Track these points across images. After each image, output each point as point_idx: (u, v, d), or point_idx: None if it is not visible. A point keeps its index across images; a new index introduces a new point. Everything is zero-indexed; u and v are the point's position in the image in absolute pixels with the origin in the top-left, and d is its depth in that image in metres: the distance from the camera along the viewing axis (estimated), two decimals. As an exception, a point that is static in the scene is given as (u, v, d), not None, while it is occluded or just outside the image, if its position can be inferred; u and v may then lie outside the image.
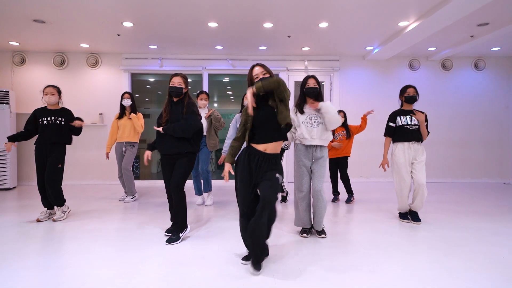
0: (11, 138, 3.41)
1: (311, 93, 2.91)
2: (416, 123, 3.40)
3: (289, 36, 5.15)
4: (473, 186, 5.95)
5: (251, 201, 2.26)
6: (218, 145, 4.34)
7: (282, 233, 3.07)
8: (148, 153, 2.93)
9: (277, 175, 2.21)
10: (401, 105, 3.58)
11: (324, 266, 2.30)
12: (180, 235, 2.88)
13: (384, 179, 6.36)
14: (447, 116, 6.35)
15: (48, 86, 3.52)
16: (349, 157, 4.54)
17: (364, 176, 6.29)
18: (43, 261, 2.39)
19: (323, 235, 2.96)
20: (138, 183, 6.00)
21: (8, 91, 5.58)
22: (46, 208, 3.58)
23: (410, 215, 3.53)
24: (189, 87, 2.96)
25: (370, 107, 6.33)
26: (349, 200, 4.48)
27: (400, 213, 3.60)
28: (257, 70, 2.29)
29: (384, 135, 3.62)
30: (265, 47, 5.76)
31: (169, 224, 3.22)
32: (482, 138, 6.45)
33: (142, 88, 7.38)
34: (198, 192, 4.41)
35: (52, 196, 3.46)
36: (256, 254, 2.21)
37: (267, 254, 2.43)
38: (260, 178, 2.20)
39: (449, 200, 4.59)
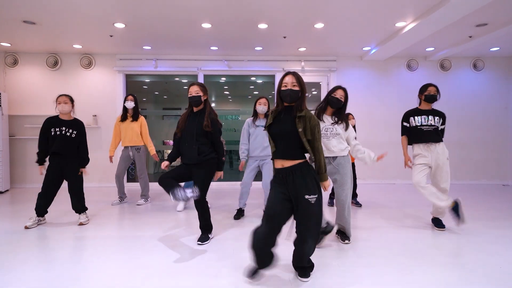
0: (40, 162, 3.44)
1: (334, 103, 2.86)
2: (432, 123, 3.26)
3: (284, 37, 5.06)
4: (471, 187, 5.89)
5: (283, 222, 2.09)
6: None
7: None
8: (166, 163, 2.99)
9: (307, 196, 2.02)
10: (419, 104, 3.44)
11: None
12: (209, 235, 3.03)
13: (381, 180, 6.30)
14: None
15: (61, 95, 3.50)
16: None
17: (362, 178, 6.21)
18: (34, 271, 2.32)
19: (347, 241, 2.93)
20: (135, 185, 5.93)
21: (0, 93, 5.50)
22: (36, 215, 3.50)
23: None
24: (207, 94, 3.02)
25: (368, 108, 6.26)
26: (357, 203, 4.45)
27: (435, 218, 3.40)
28: (288, 79, 2.12)
29: (402, 135, 3.51)
30: (261, 48, 5.67)
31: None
32: (481, 139, 6.38)
33: (138, 89, 7.29)
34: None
35: (77, 204, 3.51)
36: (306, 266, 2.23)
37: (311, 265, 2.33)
38: (297, 202, 2.05)
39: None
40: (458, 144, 6.36)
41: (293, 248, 2.18)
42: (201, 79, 6.23)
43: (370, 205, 4.52)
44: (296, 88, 2.10)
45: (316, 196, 2.04)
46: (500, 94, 6.38)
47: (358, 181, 4.89)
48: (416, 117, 3.34)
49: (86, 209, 3.62)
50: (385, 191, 5.52)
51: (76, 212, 3.56)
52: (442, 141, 3.30)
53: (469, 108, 6.37)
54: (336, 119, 2.86)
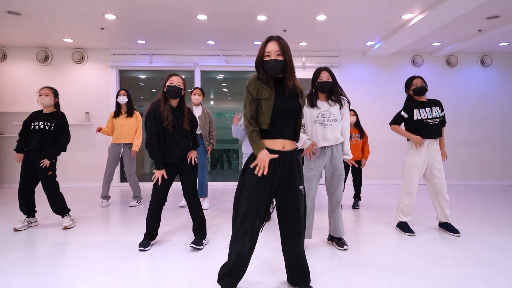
0: (19, 150, 3.21)
1: (324, 87, 2.60)
2: (437, 115, 3.02)
3: (284, 30, 4.83)
4: (479, 188, 5.65)
5: (264, 215, 1.81)
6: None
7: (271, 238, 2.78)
8: (162, 172, 2.61)
9: (301, 187, 1.85)
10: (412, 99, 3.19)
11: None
12: (203, 241, 2.75)
13: (386, 181, 6.07)
14: (451, 115, 6.03)
15: (44, 87, 3.26)
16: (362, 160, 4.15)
17: (364, 178, 5.97)
18: (21, 278, 2.10)
19: (345, 247, 2.68)
20: (128, 185, 5.71)
21: (-13, 89, 5.27)
22: (25, 216, 3.30)
23: (444, 227, 3.15)
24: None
25: (370, 105, 6.04)
26: (356, 205, 4.20)
27: (400, 222, 3.16)
28: (271, 47, 1.78)
29: (390, 124, 3.21)
30: (260, 42, 5.43)
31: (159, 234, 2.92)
32: (488, 138, 6.15)
33: (133, 85, 7.06)
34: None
35: (55, 206, 3.26)
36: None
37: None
38: (288, 192, 1.80)
39: (454, 205, 4.28)
40: (464, 143, 6.13)
41: (284, 257, 1.91)
42: (198, 75, 6.00)
43: (372, 207, 4.29)
44: (281, 58, 1.77)
45: (303, 187, 1.88)
46: (509, 92, 6.14)
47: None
48: (421, 110, 3.06)
49: (69, 210, 3.37)
50: (388, 192, 5.29)
51: (57, 214, 3.32)
52: (444, 125, 3.16)
53: (476, 106, 6.13)
54: (334, 100, 2.61)
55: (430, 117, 3.03)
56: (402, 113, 3.15)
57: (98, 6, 3.92)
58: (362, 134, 4.14)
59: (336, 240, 2.75)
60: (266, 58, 1.79)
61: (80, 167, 5.78)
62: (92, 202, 4.50)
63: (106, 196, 4.27)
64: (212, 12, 4.13)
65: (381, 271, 2.27)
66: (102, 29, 4.72)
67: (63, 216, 3.32)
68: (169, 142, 2.62)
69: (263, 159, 1.71)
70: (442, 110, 3.10)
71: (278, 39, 1.80)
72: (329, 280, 2.13)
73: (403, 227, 3.13)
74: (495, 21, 4.41)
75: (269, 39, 1.81)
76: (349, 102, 2.71)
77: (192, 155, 2.73)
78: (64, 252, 2.65)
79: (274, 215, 3.72)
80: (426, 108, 3.05)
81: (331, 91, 2.63)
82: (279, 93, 1.81)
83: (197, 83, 6.00)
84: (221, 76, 6.49)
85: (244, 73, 6.27)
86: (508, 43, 5.51)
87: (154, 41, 5.39)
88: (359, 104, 5.90)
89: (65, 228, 3.25)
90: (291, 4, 3.87)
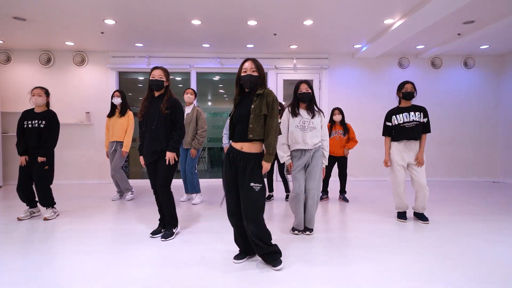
0: (22, 153, 3.42)
1: (304, 98, 2.95)
2: (414, 119, 3.32)
3: (275, 34, 5.10)
4: (462, 184, 5.93)
5: (237, 199, 2.24)
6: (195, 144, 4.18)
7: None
8: (140, 158, 2.94)
9: (252, 184, 2.14)
10: (399, 102, 3.50)
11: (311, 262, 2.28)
12: (174, 230, 2.92)
13: (373, 177, 6.34)
14: (436, 114, 6.31)
15: (36, 87, 3.47)
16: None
17: (353, 175, 6.26)
18: (24, 262, 2.35)
19: (308, 232, 3.00)
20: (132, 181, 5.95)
21: (-8, 90, 5.52)
22: (28, 207, 3.56)
23: (416, 216, 3.50)
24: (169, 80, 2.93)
25: (359, 106, 6.31)
26: (345, 198, 4.48)
27: (398, 212, 3.56)
28: (247, 65, 2.19)
29: (383, 135, 3.57)
30: (253, 45, 5.71)
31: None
32: (471, 136, 6.43)
33: (132, 87, 7.31)
34: (185, 190, 4.46)
35: (41, 198, 3.46)
36: (270, 256, 2.26)
37: (278, 252, 2.32)
38: (241, 185, 2.17)
39: (439, 200, 4.55)
40: (448, 142, 6.40)
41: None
42: (194, 77, 6.27)
43: (358, 201, 4.55)
44: (255, 74, 2.18)
45: (261, 185, 2.17)
46: (491, 92, 6.42)
47: (348, 178, 4.91)
48: (398, 116, 3.41)
49: (54, 203, 3.58)
50: (375, 188, 5.56)
51: (43, 206, 3.53)
52: (425, 135, 3.37)
53: (459, 106, 6.42)
54: (312, 113, 2.95)
55: (407, 120, 3.36)
56: (386, 123, 3.51)
57: (99, 12, 4.19)
58: (346, 130, 4.40)
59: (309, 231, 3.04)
60: (243, 74, 2.20)
61: (81, 164, 6.04)
62: (91, 198, 4.75)
63: (119, 191, 4.59)
64: (205, 18, 4.40)
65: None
66: (102, 33, 4.99)
67: (47, 208, 3.54)
68: (144, 140, 2.84)
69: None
70: (424, 116, 3.36)
71: (254, 60, 2.21)
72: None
73: (399, 214, 3.56)
74: (472, 25, 4.69)
75: (246, 59, 2.22)
76: (323, 114, 3.06)
77: (168, 157, 2.76)
78: (59, 239, 2.91)
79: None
80: (404, 113, 3.39)
81: (310, 101, 2.97)
82: (240, 103, 2.24)
83: (193, 84, 6.27)
84: (216, 78, 6.75)
85: (238, 74, 6.53)
86: (488, 46, 5.79)
87: (151, 44, 5.65)
88: (348, 104, 6.17)
89: (45, 219, 3.47)
90: (279, 9, 4.14)
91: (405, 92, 3.38)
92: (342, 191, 4.53)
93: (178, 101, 2.89)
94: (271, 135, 2.15)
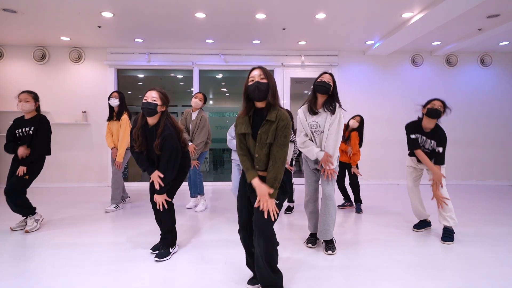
0: (14, 150, 3.12)
1: (320, 88, 2.58)
2: (430, 148, 2.96)
3: (284, 29, 4.79)
4: (479, 188, 5.62)
5: (247, 212, 1.97)
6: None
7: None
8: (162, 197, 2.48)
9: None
10: (421, 119, 3.04)
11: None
12: (170, 250, 2.54)
13: (384, 180, 6.03)
14: (451, 115, 5.96)
15: (23, 92, 3.11)
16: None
17: (364, 178, 5.95)
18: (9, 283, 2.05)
19: (329, 252, 2.59)
20: (126, 185, 5.64)
21: (-17, 88, 5.21)
22: (22, 216, 3.27)
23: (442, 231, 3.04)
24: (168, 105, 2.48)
25: (370, 105, 6.00)
26: (359, 209, 4.04)
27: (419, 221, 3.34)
28: (255, 73, 1.86)
29: (412, 150, 3.07)
30: (259, 41, 5.39)
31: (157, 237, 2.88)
32: (488, 138, 6.12)
33: (131, 85, 7.01)
34: (190, 194, 4.18)
35: (14, 207, 3.10)
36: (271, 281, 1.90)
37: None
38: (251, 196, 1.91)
39: (458, 205, 4.24)
40: (464, 143, 6.10)
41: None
42: (196, 74, 5.95)
43: (373, 210, 4.25)
44: (264, 81, 1.83)
45: (277, 202, 1.85)
46: (509, 91, 6.11)
47: (360, 181, 4.56)
48: (418, 136, 3.03)
49: (33, 213, 3.22)
50: (388, 192, 5.25)
51: (22, 216, 3.19)
52: (438, 164, 2.93)
53: (475, 106, 6.10)
54: (329, 107, 2.59)
55: (424, 145, 3.03)
56: (412, 136, 3.05)
57: (95, 4, 3.87)
58: (349, 138, 3.99)
59: (325, 243, 2.68)
60: (250, 83, 1.85)
61: (77, 166, 5.72)
62: (86, 203, 4.45)
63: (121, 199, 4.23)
64: (211, 10, 4.08)
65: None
66: (99, 27, 4.67)
67: (26, 218, 3.22)
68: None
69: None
70: (440, 145, 2.91)
71: (262, 68, 1.90)
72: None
73: (417, 224, 3.33)
74: (496, 20, 4.38)
75: (254, 68, 1.89)
76: (342, 108, 2.67)
77: (158, 200, 2.40)
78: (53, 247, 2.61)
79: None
80: (424, 137, 3.02)
81: (329, 96, 2.63)
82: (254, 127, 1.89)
83: (196, 82, 5.96)
84: (220, 76, 6.44)
85: (243, 72, 6.22)
86: (508, 42, 5.48)
87: (152, 40, 5.34)
88: (358, 104, 5.87)
89: (26, 231, 3.13)
90: (290, 1, 3.83)
91: (431, 108, 2.89)
92: (356, 200, 4.17)
93: (172, 135, 2.38)
94: (277, 167, 1.78)
